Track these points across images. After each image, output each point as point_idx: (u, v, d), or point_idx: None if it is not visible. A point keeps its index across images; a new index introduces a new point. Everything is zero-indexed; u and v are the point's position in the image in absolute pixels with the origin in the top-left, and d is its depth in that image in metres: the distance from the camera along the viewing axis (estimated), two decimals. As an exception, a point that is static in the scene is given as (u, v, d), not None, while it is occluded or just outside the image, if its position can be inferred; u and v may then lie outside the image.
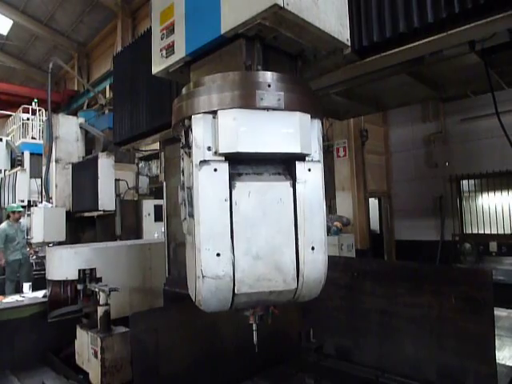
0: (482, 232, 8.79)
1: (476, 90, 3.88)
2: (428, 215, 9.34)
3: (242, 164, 1.87)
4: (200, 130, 1.84)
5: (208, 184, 1.81)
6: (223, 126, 1.82)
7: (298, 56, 2.28)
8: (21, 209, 8.39)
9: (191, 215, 1.86)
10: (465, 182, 9.12)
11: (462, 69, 3.20)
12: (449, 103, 8.92)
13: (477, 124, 8.58)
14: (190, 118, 1.90)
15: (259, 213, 1.85)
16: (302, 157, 1.95)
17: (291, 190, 1.91)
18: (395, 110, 8.67)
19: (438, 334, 3.36)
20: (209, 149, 1.82)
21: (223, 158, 1.82)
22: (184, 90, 2.08)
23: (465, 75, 3.41)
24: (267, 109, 1.86)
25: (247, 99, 1.84)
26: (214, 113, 1.84)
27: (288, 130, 1.88)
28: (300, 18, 1.88)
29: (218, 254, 1.78)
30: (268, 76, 1.91)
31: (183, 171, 2.04)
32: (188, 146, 1.90)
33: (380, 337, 3.75)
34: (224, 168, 1.82)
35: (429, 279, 3.50)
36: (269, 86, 1.87)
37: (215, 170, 1.81)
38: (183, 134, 2.00)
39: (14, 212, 8.25)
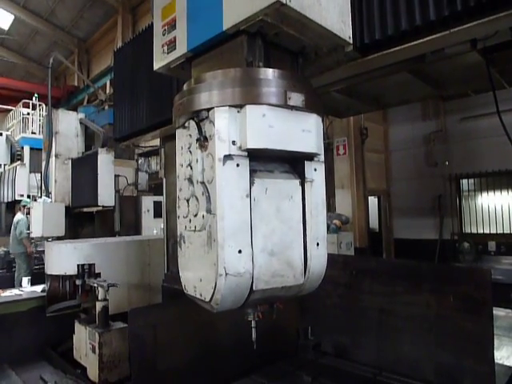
0: (481, 231, 8.80)
1: (477, 89, 3.89)
2: (427, 214, 9.35)
3: (254, 161, 1.88)
4: (225, 123, 1.81)
5: (231, 179, 1.79)
6: (252, 121, 1.81)
7: (300, 53, 2.27)
8: (29, 204, 8.50)
9: (209, 211, 1.81)
10: (464, 181, 9.13)
11: (463, 67, 3.20)
12: (449, 102, 8.92)
13: (477, 123, 8.58)
14: (207, 110, 1.84)
15: (274, 209, 1.90)
16: (311, 157, 2.03)
17: (300, 188, 2.01)
18: (395, 108, 8.66)
19: (436, 332, 3.37)
20: (233, 143, 1.81)
21: (246, 154, 1.82)
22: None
23: (466, 74, 3.40)
24: (292, 108, 1.91)
25: (277, 97, 1.87)
26: (240, 107, 1.83)
27: (307, 130, 1.96)
28: (302, 15, 1.88)
29: (240, 251, 1.79)
30: (294, 76, 2.01)
31: (190, 164, 1.96)
32: (204, 138, 1.84)
33: (378, 335, 3.75)
34: (246, 163, 1.83)
35: (428, 278, 3.50)
36: (294, 86, 1.93)
37: (238, 165, 1.81)
38: (194, 126, 1.91)
39: (24, 206, 8.38)
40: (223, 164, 1.78)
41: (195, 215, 1.91)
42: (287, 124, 1.89)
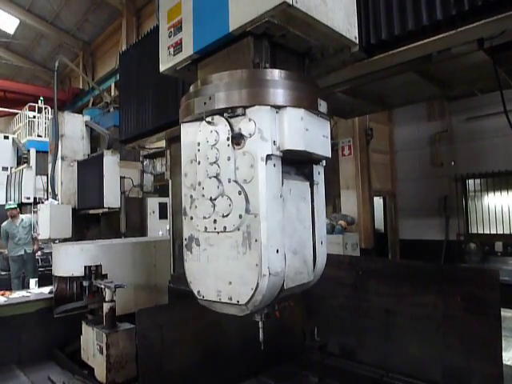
0: (488, 232, 8.74)
1: (483, 89, 3.87)
2: (433, 215, 9.29)
3: None
4: (267, 122, 1.81)
5: (270, 179, 1.81)
6: (292, 123, 1.85)
7: (306, 54, 2.28)
8: (12, 205, 8.37)
9: (248, 211, 1.79)
10: (470, 181, 9.06)
11: (469, 67, 3.19)
12: (454, 102, 8.86)
13: (483, 123, 8.52)
14: (244, 108, 1.83)
15: (295, 210, 1.96)
16: (318, 160, 2.13)
17: (309, 189, 2.10)
18: (400, 109, 8.62)
19: (443, 333, 3.35)
20: (274, 143, 1.82)
21: (281, 155, 1.85)
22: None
23: (472, 73, 3.39)
24: (319, 114, 2.00)
25: (312, 102, 1.95)
26: (279, 108, 1.85)
27: (326, 136, 2.05)
28: (308, 16, 1.88)
29: (277, 251, 1.81)
30: (317, 84, 2.13)
31: (216, 162, 1.88)
32: (240, 136, 1.82)
33: (385, 336, 3.74)
34: (280, 164, 1.87)
35: (434, 279, 3.49)
36: (321, 93, 2.05)
37: (274, 165, 1.83)
38: (224, 122, 1.87)
39: (9, 209, 8.29)
40: (265, 164, 1.78)
41: (226, 215, 1.84)
42: (316, 129, 1.96)
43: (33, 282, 5.73)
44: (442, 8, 2.13)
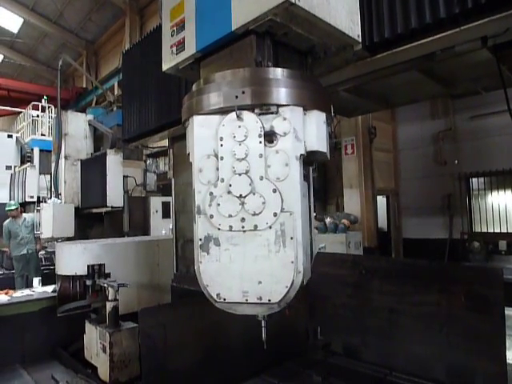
0: (492, 230, 8.70)
1: (487, 87, 3.85)
2: (436, 213, 9.26)
3: None
4: (300, 122, 1.85)
5: (300, 177, 1.85)
6: (319, 126, 1.92)
7: (308, 52, 2.27)
8: (13, 207, 8.38)
9: (283, 209, 1.80)
10: (474, 179, 9.02)
11: (473, 65, 3.17)
12: (458, 100, 8.82)
13: (487, 121, 8.48)
14: (277, 106, 1.84)
15: (306, 208, 1.99)
16: (313, 162, 2.20)
17: (307, 189, 2.11)
18: (404, 107, 8.57)
19: (447, 332, 3.34)
20: (304, 143, 1.87)
21: (306, 155, 1.90)
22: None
23: (476, 71, 3.37)
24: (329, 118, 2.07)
25: (329, 106, 2.04)
26: (306, 110, 1.90)
27: (327, 138, 2.08)
28: (311, 14, 1.88)
29: (304, 248, 1.88)
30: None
31: (245, 159, 1.84)
32: (273, 134, 1.82)
33: (388, 335, 3.73)
34: (302, 164, 1.91)
35: (438, 277, 3.48)
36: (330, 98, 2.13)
37: (300, 164, 1.88)
38: (255, 119, 1.84)
39: (9, 211, 8.30)
40: (299, 163, 1.83)
41: (257, 213, 1.81)
42: (327, 132, 2.01)
43: (36, 280, 5.75)
44: (445, 6, 2.12)
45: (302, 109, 1.86)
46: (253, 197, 1.82)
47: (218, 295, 1.87)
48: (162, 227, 8.45)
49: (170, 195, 4.81)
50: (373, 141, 9.26)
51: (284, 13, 1.83)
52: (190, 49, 2.22)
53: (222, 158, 1.87)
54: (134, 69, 4.70)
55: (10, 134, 13.16)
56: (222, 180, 1.86)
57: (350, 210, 8.72)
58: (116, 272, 4.52)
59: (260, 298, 1.81)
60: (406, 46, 2.37)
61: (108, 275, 4.46)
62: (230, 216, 1.84)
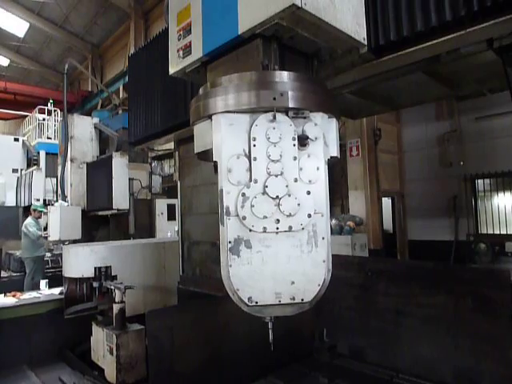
0: (498, 232, 8.66)
1: (492, 88, 3.84)
2: (442, 215, 9.23)
3: None
4: (327, 129, 1.97)
5: (327, 180, 1.93)
6: (336, 132, 2.05)
7: (314, 55, 2.28)
8: (44, 210, 8.54)
9: (315, 211, 1.86)
10: (480, 181, 8.99)
11: (478, 67, 3.17)
12: (463, 101, 8.80)
13: (492, 122, 8.46)
14: (310, 112, 1.91)
15: None
16: None
17: None
18: (408, 109, 8.57)
19: (453, 334, 3.33)
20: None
21: None
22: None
23: (481, 73, 3.37)
24: None
25: (338, 111, 2.12)
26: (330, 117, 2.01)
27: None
28: (317, 18, 1.88)
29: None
30: None
31: (280, 160, 1.85)
32: (306, 138, 1.87)
33: (394, 337, 3.73)
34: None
35: (445, 279, 3.47)
36: None
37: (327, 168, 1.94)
38: (289, 122, 1.87)
39: (35, 210, 8.43)
40: (327, 167, 1.91)
41: (292, 215, 1.82)
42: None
43: (43, 283, 5.78)
44: (451, 8, 2.13)
45: (327, 116, 1.97)
46: (288, 198, 1.83)
47: (249, 299, 1.83)
48: (167, 229, 8.49)
49: (175, 197, 4.84)
50: (378, 142, 9.25)
51: (290, 16, 1.83)
52: (197, 52, 2.23)
53: (255, 159, 1.84)
54: (140, 72, 4.73)
55: (17, 137, 13.27)
56: (256, 181, 1.83)
57: (355, 211, 8.71)
58: (122, 274, 4.55)
59: (293, 298, 1.84)
60: (412, 48, 2.38)
61: (115, 277, 4.49)
62: (265, 217, 1.82)
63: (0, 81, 16.21)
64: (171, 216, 8.56)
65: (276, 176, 1.83)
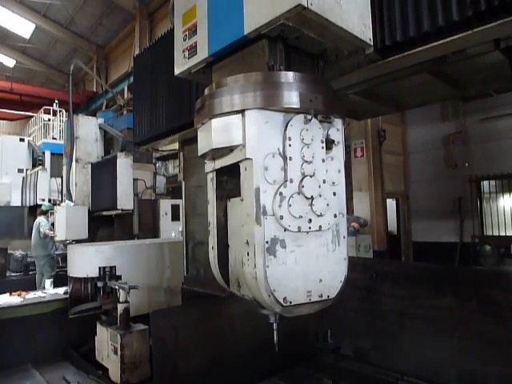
0: (504, 234, 8.60)
1: (499, 89, 3.82)
2: (447, 216, 9.18)
3: None
4: (343, 134, 2.08)
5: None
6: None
7: (320, 56, 2.27)
8: (52, 209, 8.68)
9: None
10: (485, 182, 8.94)
11: (484, 67, 3.15)
12: (469, 102, 8.76)
13: (498, 123, 8.41)
14: (334, 117, 2.01)
15: None
16: None
17: None
18: (413, 110, 8.51)
19: (459, 337, 3.31)
20: None
21: None
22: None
23: (488, 74, 3.35)
24: None
25: None
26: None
27: None
28: (323, 18, 1.88)
29: None
30: None
31: (312, 161, 1.90)
32: (332, 141, 1.98)
33: (399, 339, 3.71)
34: None
35: (450, 281, 3.45)
36: None
37: None
38: (319, 125, 1.92)
39: (47, 211, 8.60)
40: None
41: (322, 215, 1.88)
42: None
43: (48, 282, 5.81)
44: (458, 9, 2.11)
45: (341, 121, 2.06)
46: (320, 199, 1.89)
47: (284, 299, 1.82)
48: (171, 230, 8.50)
49: (180, 198, 4.84)
50: (382, 143, 9.22)
51: (296, 17, 1.83)
52: (203, 53, 2.23)
53: (290, 159, 1.86)
54: (145, 73, 4.74)
55: (22, 137, 13.34)
56: (291, 180, 1.85)
57: (360, 213, 8.68)
58: (127, 274, 4.56)
59: (321, 296, 1.89)
60: (418, 49, 2.37)
61: (119, 277, 4.50)
62: (300, 217, 1.84)
63: (6, 82, 16.30)
64: (175, 216, 8.57)
65: (310, 177, 1.90)
